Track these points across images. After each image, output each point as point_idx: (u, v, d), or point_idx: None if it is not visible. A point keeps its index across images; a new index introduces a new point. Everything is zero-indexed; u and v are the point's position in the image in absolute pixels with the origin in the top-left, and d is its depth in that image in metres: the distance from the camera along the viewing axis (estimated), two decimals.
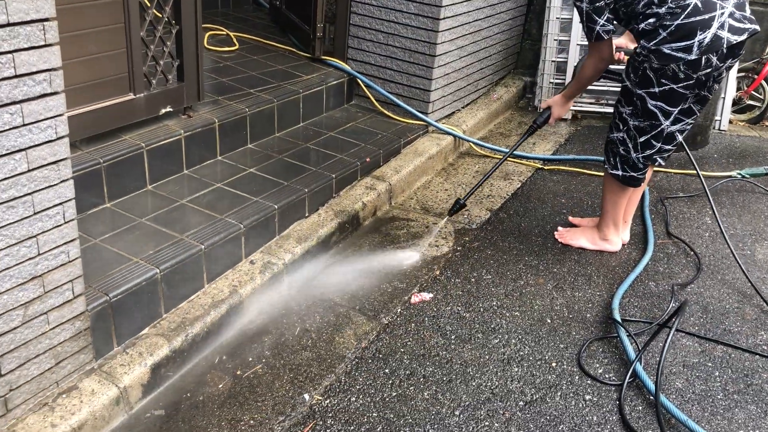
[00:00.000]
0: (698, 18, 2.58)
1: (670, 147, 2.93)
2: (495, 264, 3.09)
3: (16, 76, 1.76)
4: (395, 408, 2.29)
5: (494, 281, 2.97)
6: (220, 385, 2.36)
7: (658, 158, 2.96)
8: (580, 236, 3.24)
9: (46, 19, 1.79)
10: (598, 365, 2.51)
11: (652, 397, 2.31)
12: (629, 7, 2.72)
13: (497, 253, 3.18)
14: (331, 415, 2.25)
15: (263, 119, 3.53)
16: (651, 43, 2.66)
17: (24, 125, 1.82)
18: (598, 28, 2.77)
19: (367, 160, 3.54)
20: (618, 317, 2.67)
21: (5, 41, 1.71)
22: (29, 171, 1.87)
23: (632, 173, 2.99)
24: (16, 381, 2.01)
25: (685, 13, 2.59)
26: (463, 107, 4.47)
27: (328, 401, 2.30)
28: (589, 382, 2.43)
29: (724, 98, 4.55)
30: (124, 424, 2.20)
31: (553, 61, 4.73)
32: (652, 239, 3.25)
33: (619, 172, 3.01)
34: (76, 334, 2.17)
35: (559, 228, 3.34)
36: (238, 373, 2.41)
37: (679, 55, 2.62)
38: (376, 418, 2.24)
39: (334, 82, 4.01)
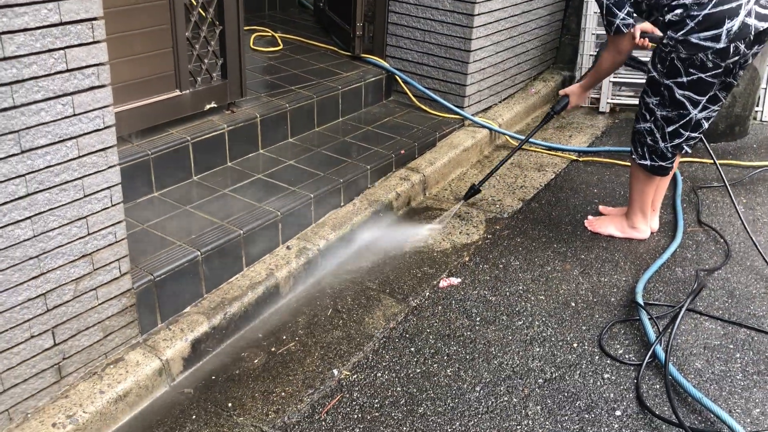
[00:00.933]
0: (726, 7, 2.61)
1: (696, 135, 2.96)
2: (524, 251, 3.17)
3: (68, 71, 1.95)
4: (418, 383, 2.40)
5: (522, 267, 3.05)
6: (255, 361, 2.51)
7: (685, 147, 2.99)
8: (609, 224, 3.29)
9: (95, 18, 1.97)
10: (618, 346, 2.57)
11: (669, 377, 2.36)
12: (653, 0, 2.77)
13: (526, 240, 3.26)
14: (357, 389, 2.38)
15: (303, 114, 3.69)
16: (679, 34, 2.70)
17: (75, 115, 2.01)
18: (618, 21, 2.82)
19: (402, 152, 3.66)
20: (641, 301, 2.73)
21: (58, 39, 1.90)
22: (80, 157, 2.06)
23: (661, 162, 3.03)
24: (69, 350, 2.21)
25: (713, 2, 2.62)
26: (500, 101, 4.55)
27: (355, 376, 2.44)
28: (608, 362, 2.50)
29: (765, 89, 4.50)
30: (166, 393, 2.38)
31: (591, 55, 4.75)
32: (681, 227, 3.28)
33: (648, 162, 3.04)
34: (122, 310, 2.35)
35: (589, 216, 3.39)
36: (273, 349, 2.57)
37: (708, 44, 2.66)
38: (399, 392, 2.36)
39: (373, 79, 4.15)
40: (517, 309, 2.78)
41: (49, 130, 1.95)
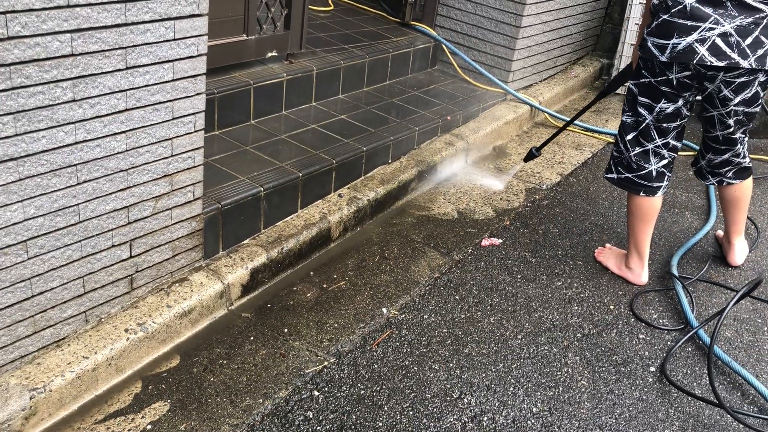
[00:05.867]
0: (681, 21, 2.40)
1: (665, 151, 2.68)
2: (562, 220, 3.30)
3: None
4: (463, 327, 2.54)
5: (560, 234, 3.18)
6: (308, 294, 2.65)
7: (652, 162, 2.70)
8: (610, 257, 3.01)
9: None
10: (653, 311, 2.72)
11: (699, 340, 2.50)
12: None
13: (565, 211, 3.39)
14: (405, 327, 2.52)
15: (354, 73, 3.80)
16: (646, 31, 2.53)
17: (174, 39, 2.12)
18: None
19: (448, 118, 3.78)
20: (676, 272, 2.87)
21: None
22: (173, 80, 2.18)
23: (627, 174, 2.75)
24: (141, 264, 2.34)
25: (673, 11, 2.41)
26: (540, 81, 4.66)
27: (403, 316, 2.57)
28: (644, 324, 2.64)
29: None
30: (225, 316, 2.51)
31: (632, 44, 4.86)
32: (714, 210, 3.41)
33: (614, 175, 2.81)
34: (191, 233, 2.48)
35: (600, 247, 3.13)
36: (324, 286, 2.70)
37: (655, 52, 2.48)
38: (446, 333, 2.50)
39: (421, 46, 4.26)
40: (556, 271, 2.91)
41: (152, 50, 2.07)
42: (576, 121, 4.30)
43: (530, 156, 3.43)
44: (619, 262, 2.96)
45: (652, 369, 2.42)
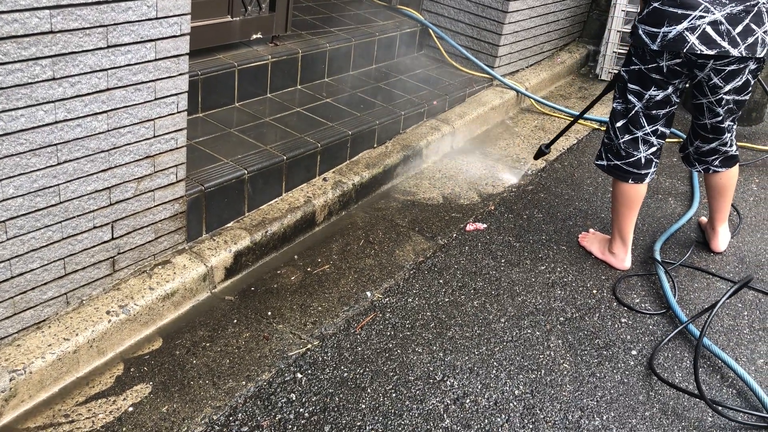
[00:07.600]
0: (671, 9, 2.40)
1: (654, 139, 2.68)
2: (547, 205, 3.31)
3: None
4: (447, 310, 2.55)
5: (545, 219, 3.19)
6: (292, 278, 2.64)
7: (642, 150, 2.69)
8: (594, 242, 3.01)
9: None
10: (635, 296, 2.74)
11: (681, 326, 2.53)
12: None
13: (549, 196, 3.40)
14: (389, 310, 2.52)
15: (340, 56, 3.78)
16: (637, 18, 2.54)
17: (157, 18, 2.10)
18: None
19: (435, 103, 3.77)
20: (659, 257, 2.89)
21: None
22: (156, 60, 2.15)
23: (616, 161, 2.74)
24: (123, 246, 2.32)
25: None
26: (527, 67, 4.66)
27: (387, 299, 2.57)
28: (626, 308, 2.66)
29: None
30: (208, 298, 2.50)
31: (618, 31, 4.86)
32: (697, 196, 3.44)
33: (604, 162, 2.81)
34: (174, 215, 2.46)
35: (583, 232, 3.13)
36: (309, 269, 2.69)
37: (646, 40, 2.48)
38: (429, 317, 2.51)
39: (408, 30, 4.24)
40: (540, 255, 2.93)
41: (134, 29, 2.04)
42: (563, 108, 4.33)
43: (540, 153, 3.33)
44: (603, 247, 2.97)
45: (634, 352, 2.44)
